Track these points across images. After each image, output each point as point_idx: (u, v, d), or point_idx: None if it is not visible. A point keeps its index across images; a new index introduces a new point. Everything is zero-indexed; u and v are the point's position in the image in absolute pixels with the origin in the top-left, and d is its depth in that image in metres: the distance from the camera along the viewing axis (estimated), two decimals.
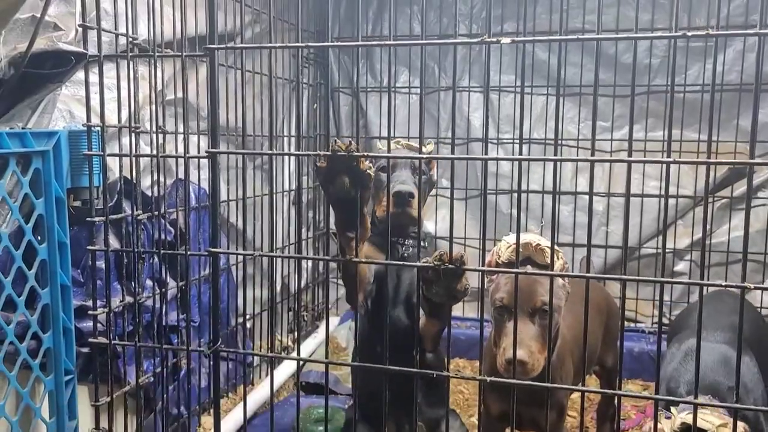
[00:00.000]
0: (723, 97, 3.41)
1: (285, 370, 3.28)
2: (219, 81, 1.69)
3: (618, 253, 3.75)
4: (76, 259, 2.16)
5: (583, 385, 1.67)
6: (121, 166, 2.11)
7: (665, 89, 3.55)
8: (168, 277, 2.43)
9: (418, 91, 3.88)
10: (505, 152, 3.94)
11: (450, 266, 1.50)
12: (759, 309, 3.42)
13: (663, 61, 3.61)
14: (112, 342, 2.08)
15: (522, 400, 1.65)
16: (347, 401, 2.90)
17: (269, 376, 1.87)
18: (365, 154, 1.50)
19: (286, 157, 3.61)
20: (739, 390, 1.45)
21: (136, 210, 2.16)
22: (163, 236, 2.32)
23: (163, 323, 2.35)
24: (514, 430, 1.60)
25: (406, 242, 2.07)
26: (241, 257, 3.01)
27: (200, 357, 2.70)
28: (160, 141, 2.18)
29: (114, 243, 2.18)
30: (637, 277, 1.67)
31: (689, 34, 1.29)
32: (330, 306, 4.10)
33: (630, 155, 1.44)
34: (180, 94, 2.37)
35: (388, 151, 1.67)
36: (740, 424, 1.65)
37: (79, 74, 2.04)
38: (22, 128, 1.98)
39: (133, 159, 2.10)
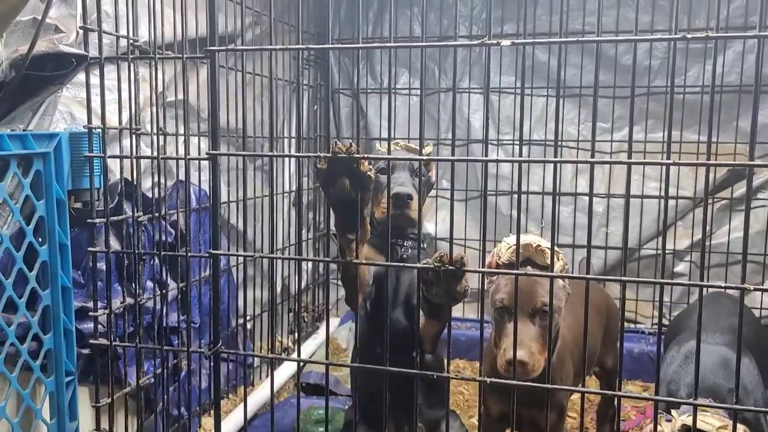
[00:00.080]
0: (723, 98, 3.41)
1: (285, 371, 3.29)
2: (219, 83, 1.69)
3: (618, 254, 3.75)
4: (76, 261, 2.16)
5: (583, 386, 1.67)
6: (121, 168, 2.11)
7: (665, 90, 3.55)
8: (168, 279, 2.43)
9: (419, 92, 3.88)
10: (506, 153, 3.94)
11: (450, 267, 1.50)
12: (759, 310, 3.44)
13: (663, 62, 3.61)
14: (113, 343, 2.08)
15: (522, 401, 1.65)
16: (347, 402, 2.90)
17: (269, 377, 1.88)
18: (366, 155, 1.51)
19: (287, 159, 3.61)
20: (739, 392, 1.45)
21: (137, 211, 2.16)
22: (163, 238, 2.32)
23: (164, 324, 2.35)
24: (514, 431, 1.60)
25: (405, 244, 2.07)
26: (241, 258, 3.01)
27: (201, 358, 2.70)
28: (161, 143, 2.18)
29: (115, 244, 2.18)
30: (636, 279, 1.67)
31: (689, 36, 1.30)
32: (330, 307, 4.10)
33: (630, 156, 1.45)
34: (180, 96, 2.38)
35: (388, 152, 1.67)
36: (741, 427, 1.65)
37: (80, 76, 2.05)
38: (23, 130, 1.99)
39: (134, 161, 2.10)
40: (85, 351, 2.16)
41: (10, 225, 1.91)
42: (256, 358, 3.27)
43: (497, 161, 1.77)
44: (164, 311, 2.36)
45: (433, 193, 2.66)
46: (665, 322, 3.14)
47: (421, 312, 1.78)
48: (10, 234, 1.90)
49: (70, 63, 1.95)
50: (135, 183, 2.13)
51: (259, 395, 3.01)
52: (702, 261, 1.40)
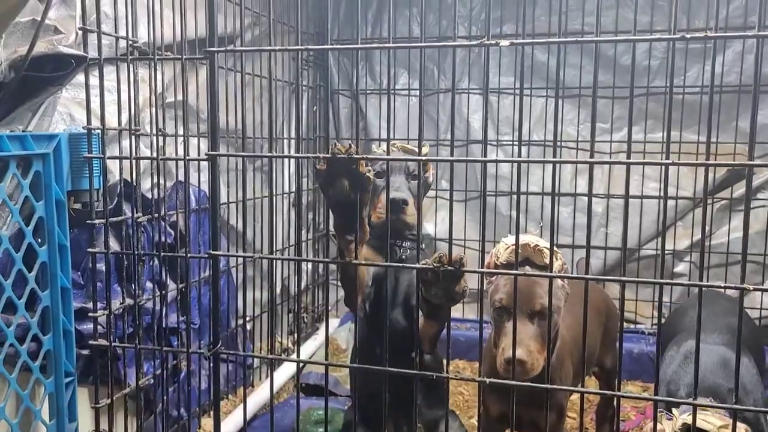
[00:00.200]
0: (722, 98, 3.41)
1: (285, 371, 3.29)
2: (219, 83, 1.69)
3: (617, 254, 3.75)
4: (76, 262, 2.16)
5: (583, 386, 1.67)
6: (121, 169, 2.11)
7: (664, 91, 3.55)
8: (168, 279, 2.43)
9: (418, 93, 3.88)
10: (505, 154, 3.94)
11: (449, 268, 1.50)
12: (759, 310, 3.44)
13: (662, 62, 3.61)
14: (112, 344, 2.08)
15: (521, 401, 1.65)
16: (347, 403, 2.90)
17: (269, 378, 1.87)
18: (365, 156, 1.51)
19: (286, 159, 3.61)
20: (739, 391, 1.45)
21: (136, 212, 2.16)
22: (163, 238, 2.32)
23: (163, 325, 2.35)
24: (513, 431, 1.60)
25: (404, 244, 2.07)
26: (241, 259, 3.01)
27: (200, 359, 2.70)
28: (160, 143, 2.18)
29: (114, 245, 2.18)
30: (636, 279, 1.67)
31: (688, 36, 1.30)
32: (330, 308, 4.10)
33: (629, 157, 1.45)
34: (180, 97, 2.38)
35: (387, 153, 1.67)
36: (741, 426, 1.65)
37: (80, 77, 2.05)
38: (23, 131, 1.99)
39: (133, 161, 2.10)
40: (85, 352, 2.16)
41: (10, 226, 1.91)
42: (255, 359, 3.27)
43: (496, 162, 1.77)
44: (164, 312, 2.36)
45: (432, 193, 2.66)
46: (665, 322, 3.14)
47: (420, 312, 1.78)
48: (10, 235, 1.90)
49: (69, 64, 1.95)
50: (134, 184, 2.13)
51: (259, 396, 3.01)
52: (701, 261, 1.40)
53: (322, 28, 3.86)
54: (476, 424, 2.12)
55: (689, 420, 1.61)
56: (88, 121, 2.01)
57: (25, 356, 1.96)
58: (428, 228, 3.88)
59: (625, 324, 1.59)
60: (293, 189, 3.63)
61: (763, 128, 3.45)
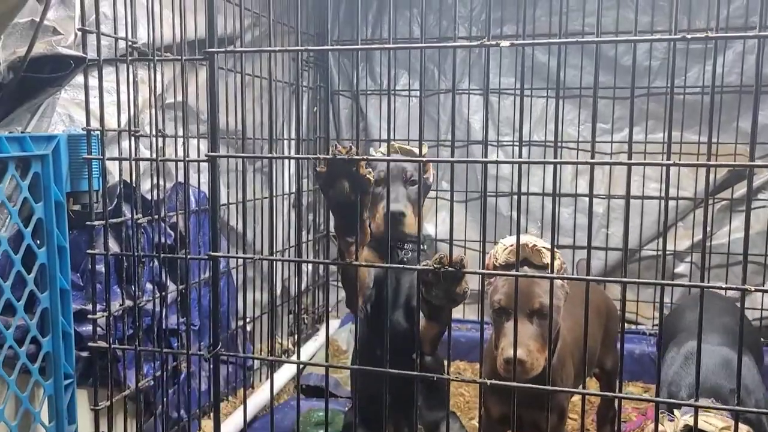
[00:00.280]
0: (723, 98, 3.41)
1: (285, 373, 3.28)
2: (219, 84, 1.69)
3: (618, 255, 3.74)
4: (75, 263, 2.16)
5: (584, 387, 1.67)
6: (120, 170, 2.11)
7: (665, 91, 3.55)
8: (168, 281, 2.43)
9: (418, 93, 3.88)
10: (505, 154, 3.94)
11: (450, 269, 1.50)
12: (760, 311, 3.44)
13: (663, 63, 3.61)
14: (112, 346, 2.08)
15: (523, 402, 1.65)
16: (347, 404, 2.89)
17: (269, 380, 1.87)
18: (365, 157, 1.50)
19: (286, 160, 3.61)
20: (741, 392, 1.45)
21: (136, 214, 2.15)
22: (163, 240, 2.32)
23: (163, 327, 2.35)
24: None
25: (405, 246, 2.06)
26: (241, 260, 3.00)
27: (200, 360, 2.69)
28: (160, 144, 2.18)
29: (114, 247, 2.18)
30: (637, 280, 1.67)
31: (689, 36, 1.29)
32: (330, 309, 4.09)
33: (630, 157, 1.44)
34: (180, 98, 2.37)
35: (388, 153, 1.67)
36: (743, 427, 1.65)
37: (79, 78, 2.04)
38: (22, 132, 1.98)
39: (133, 163, 2.10)
40: (84, 354, 2.15)
41: (9, 227, 1.90)
42: (255, 360, 3.27)
43: (497, 162, 1.76)
44: (164, 313, 2.36)
45: (432, 194, 2.65)
46: None
47: (421, 314, 1.78)
48: (9, 236, 1.90)
49: (68, 65, 1.95)
50: (134, 185, 2.13)
51: (259, 397, 3.00)
52: (703, 262, 1.39)
53: (323, 29, 3.85)
54: (477, 425, 2.11)
55: (691, 421, 1.60)
56: (88, 122, 2.00)
57: (24, 358, 1.95)
58: (429, 229, 3.87)
59: (626, 325, 1.59)
60: (293, 190, 3.63)
61: (763, 129, 3.44)
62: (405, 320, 2.04)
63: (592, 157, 1.42)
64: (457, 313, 3.32)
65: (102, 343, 2.07)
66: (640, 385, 3.35)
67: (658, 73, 3.64)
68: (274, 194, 1.82)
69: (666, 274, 2.84)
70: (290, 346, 3.69)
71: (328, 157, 1.48)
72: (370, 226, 2.03)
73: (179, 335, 2.55)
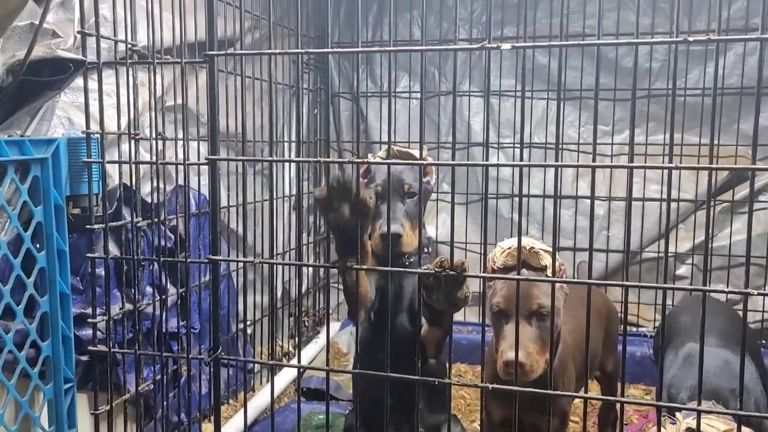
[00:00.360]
0: (724, 100, 3.40)
1: (286, 376, 3.27)
2: (219, 87, 1.68)
3: (619, 257, 3.74)
4: (75, 267, 2.15)
5: (586, 390, 1.66)
6: (120, 173, 2.10)
7: (666, 93, 3.54)
8: (168, 284, 2.42)
9: (419, 95, 3.87)
10: (506, 156, 3.94)
11: (451, 272, 1.49)
12: (761, 313, 3.43)
13: (663, 64, 3.60)
14: (112, 350, 2.07)
15: (524, 406, 1.64)
16: (348, 407, 2.88)
17: (270, 383, 1.86)
18: (364, 161, 1.50)
19: (287, 163, 3.61)
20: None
21: (136, 217, 2.15)
22: (163, 243, 2.31)
23: (163, 330, 2.34)
24: None
25: (407, 252, 2.05)
26: (241, 263, 3.00)
27: (200, 364, 2.69)
28: (160, 147, 2.17)
29: (114, 250, 2.18)
30: (638, 284, 1.66)
31: (690, 39, 1.28)
32: (331, 311, 4.09)
33: (631, 159, 1.43)
34: (179, 101, 2.37)
35: (388, 156, 1.66)
36: (746, 430, 1.64)
37: (78, 81, 2.04)
38: (21, 136, 1.98)
39: (133, 166, 2.09)
40: (84, 358, 2.15)
41: (8, 231, 1.90)
42: (256, 363, 3.26)
43: (498, 165, 1.76)
44: (164, 317, 2.35)
45: (433, 196, 2.63)
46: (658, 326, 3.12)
47: (423, 318, 1.77)
48: (8, 240, 1.90)
49: (67, 68, 1.94)
50: (134, 188, 2.12)
51: (260, 400, 3.00)
52: (705, 264, 1.39)
53: (323, 31, 3.85)
54: (479, 428, 2.10)
55: (693, 424, 1.60)
56: (87, 126, 2.00)
57: (24, 363, 1.95)
58: (430, 231, 3.87)
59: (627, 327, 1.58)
60: (294, 192, 3.62)
61: (765, 131, 3.43)
62: (409, 323, 2.03)
63: (594, 159, 1.41)
64: (457, 315, 3.31)
65: (102, 347, 2.07)
66: (641, 387, 3.34)
67: (658, 74, 3.63)
68: (275, 197, 1.82)
69: (667, 276, 2.82)
70: (291, 348, 3.68)
71: (327, 159, 1.47)
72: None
73: (179, 338, 2.55)
